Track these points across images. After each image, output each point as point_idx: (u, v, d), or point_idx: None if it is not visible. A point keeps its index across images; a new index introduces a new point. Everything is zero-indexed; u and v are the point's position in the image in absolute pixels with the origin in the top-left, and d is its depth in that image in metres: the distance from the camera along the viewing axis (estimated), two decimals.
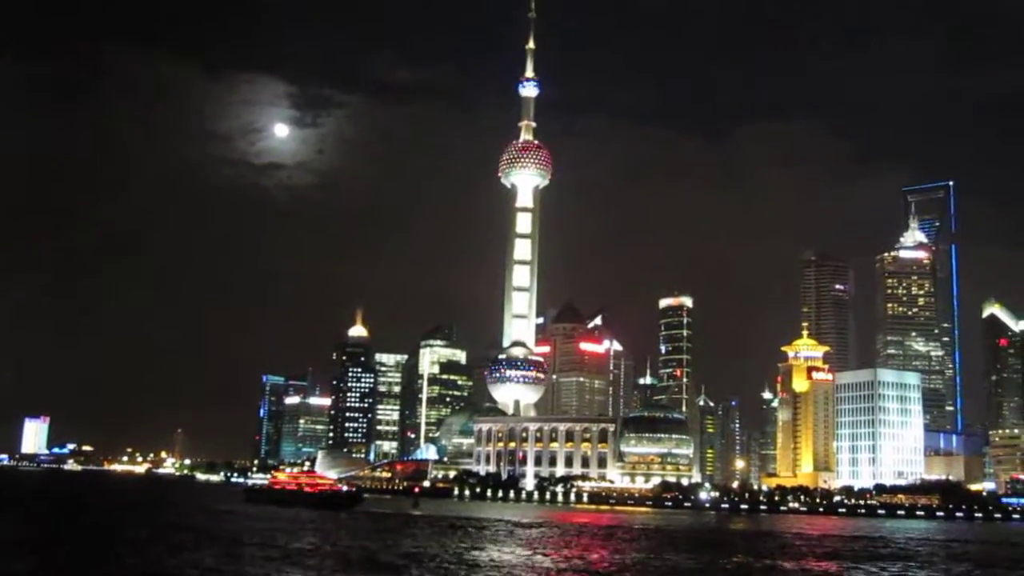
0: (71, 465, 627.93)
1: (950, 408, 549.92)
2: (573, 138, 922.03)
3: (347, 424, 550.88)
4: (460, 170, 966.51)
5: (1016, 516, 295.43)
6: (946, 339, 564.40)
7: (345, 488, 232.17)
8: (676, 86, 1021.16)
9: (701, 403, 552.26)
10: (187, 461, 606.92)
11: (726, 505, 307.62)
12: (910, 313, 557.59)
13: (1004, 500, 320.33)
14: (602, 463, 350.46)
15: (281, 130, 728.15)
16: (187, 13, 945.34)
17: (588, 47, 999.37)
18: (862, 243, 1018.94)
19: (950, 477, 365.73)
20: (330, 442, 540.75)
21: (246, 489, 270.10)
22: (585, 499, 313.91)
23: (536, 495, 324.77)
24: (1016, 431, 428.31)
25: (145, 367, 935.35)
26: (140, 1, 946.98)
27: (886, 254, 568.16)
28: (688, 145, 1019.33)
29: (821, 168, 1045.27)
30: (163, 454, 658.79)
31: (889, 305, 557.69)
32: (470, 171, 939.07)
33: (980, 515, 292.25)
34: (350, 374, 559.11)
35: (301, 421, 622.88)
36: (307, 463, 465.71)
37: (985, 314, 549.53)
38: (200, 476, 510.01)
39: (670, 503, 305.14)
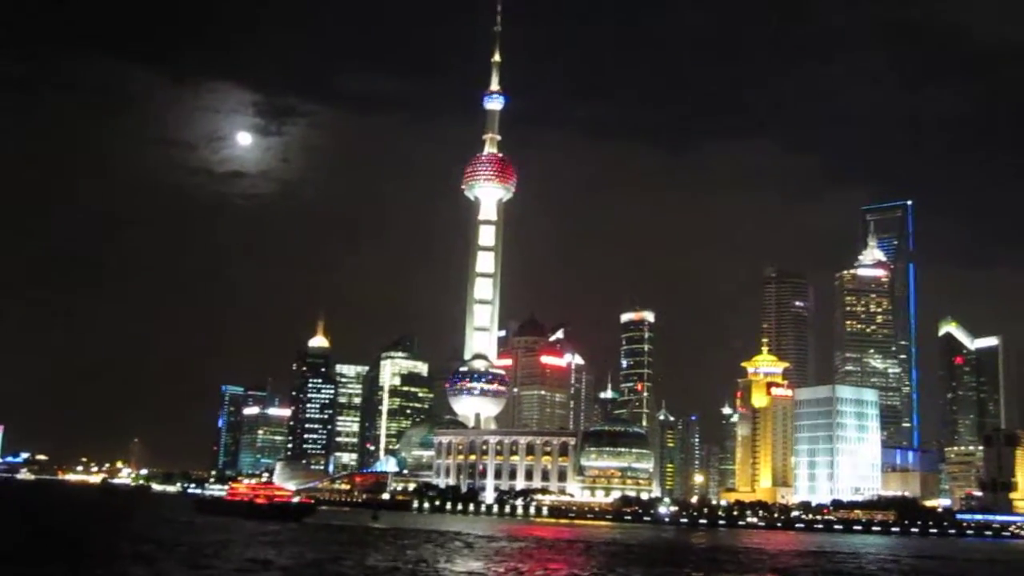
0: (24, 474, 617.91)
1: (906, 425, 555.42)
2: (538, 151, 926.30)
3: (306, 435, 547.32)
4: (425, 181, 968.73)
5: (971, 532, 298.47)
6: (903, 356, 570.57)
7: (296, 500, 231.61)
8: (642, 101, 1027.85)
9: (661, 418, 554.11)
10: (143, 471, 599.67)
11: (685, 520, 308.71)
12: (868, 330, 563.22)
13: (959, 516, 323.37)
14: (562, 477, 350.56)
15: (244, 138, 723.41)
16: (151, 20, 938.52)
17: (554, 61, 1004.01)
18: (823, 260, 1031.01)
19: (906, 493, 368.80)
20: (289, 453, 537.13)
21: (196, 500, 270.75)
22: (545, 513, 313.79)
23: (496, 508, 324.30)
24: (971, 448, 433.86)
25: (102, 375, 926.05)
26: (103, 7, 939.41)
27: (845, 272, 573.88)
28: (653, 160, 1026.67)
29: (784, 185, 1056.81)
30: (119, 464, 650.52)
31: (848, 322, 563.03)
32: (435, 182, 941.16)
33: (935, 531, 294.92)
34: (310, 385, 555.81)
35: (260, 432, 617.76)
36: (266, 474, 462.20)
37: (941, 332, 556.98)
38: (157, 487, 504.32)
39: (630, 517, 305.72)
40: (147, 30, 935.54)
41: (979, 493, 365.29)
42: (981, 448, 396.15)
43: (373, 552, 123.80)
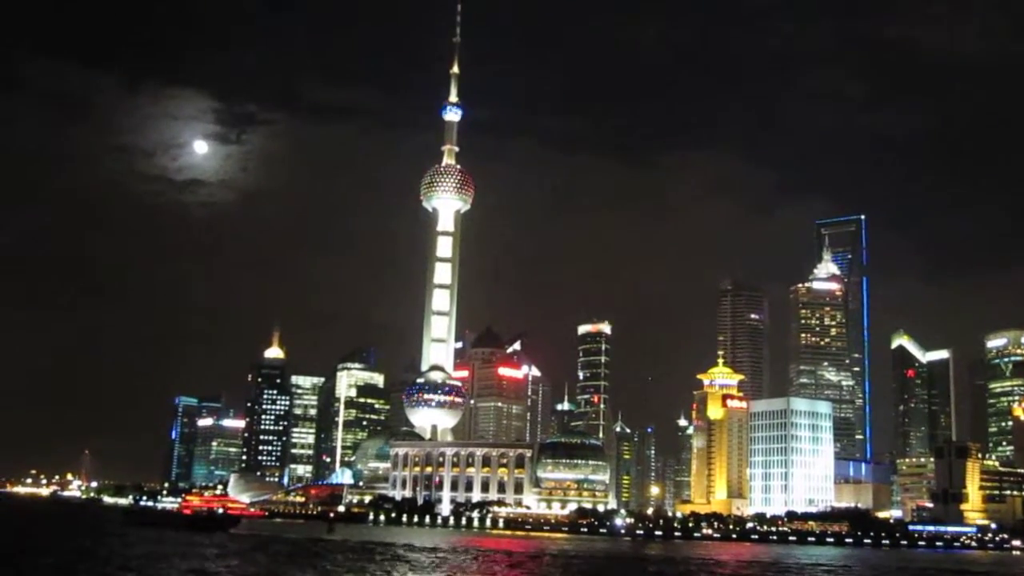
0: None
1: (859, 437, 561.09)
2: (498, 163, 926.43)
3: (261, 447, 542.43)
4: (386, 192, 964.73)
5: (922, 543, 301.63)
6: (856, 369, 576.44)
7: (220, 510, 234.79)
8: (604, 113, 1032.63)
9: (618, 429, 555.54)
10: (94, 484, 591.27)
11: (641, 531, 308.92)
12: (822, 343, 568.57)
13: (911, 527, 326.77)
14: (519, 489, 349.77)
15: (200, 147, 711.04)
16: (111, 25, 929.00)
17: (515, 74, 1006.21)
18: (780, 273, 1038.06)
19: (859, 504, 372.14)
20: (243, 465, 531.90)
21: (125, 511, 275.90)
22: (501, 525, 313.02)
23: (452, 520, 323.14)
24: (922, 460, 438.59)
25: (52, 386, 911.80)
26: (59, 11, 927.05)
27: (800, 285, 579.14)
28: (614, 172, 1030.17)
29: (744, 198, 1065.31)
30: (69, 476, 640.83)
31: (802, 335, 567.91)
32: (395, 193, 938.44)
33: (887, 542, 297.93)
34: (265, 396, 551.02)
35: (214, 443, 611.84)
36: (220, 486, 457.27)
37: (894, 345, 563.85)
38: (108, 499, 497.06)
39: (586, 529, 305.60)
40: (106, 35, 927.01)
41: (930, 504, 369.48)
42: (932, 460, 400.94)
43: (306, 566, 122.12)
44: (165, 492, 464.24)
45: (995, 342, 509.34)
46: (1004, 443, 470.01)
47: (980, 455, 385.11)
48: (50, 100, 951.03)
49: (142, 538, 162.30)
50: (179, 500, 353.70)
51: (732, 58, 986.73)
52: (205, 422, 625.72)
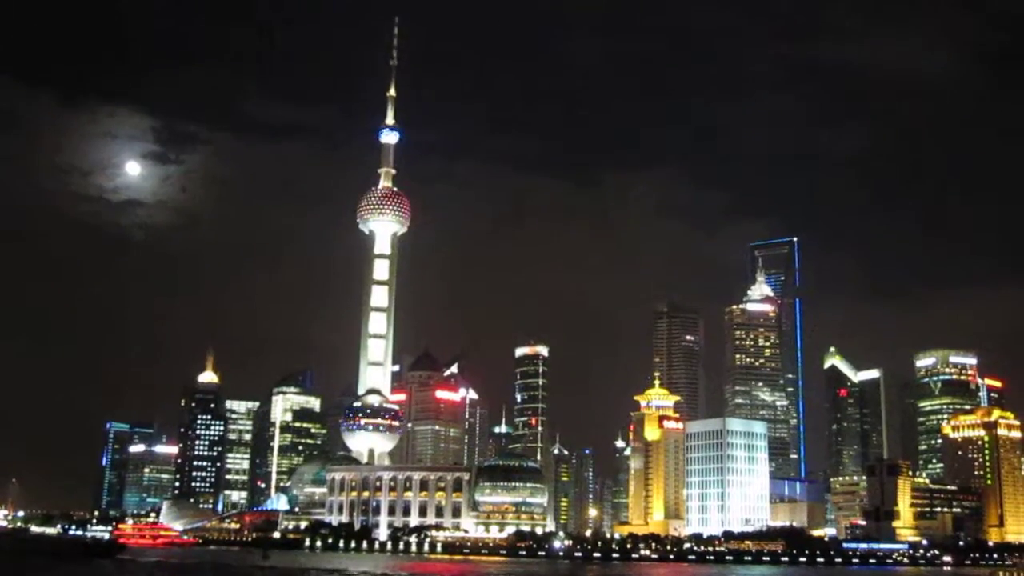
0: None
1: (794, 456, 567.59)
2: (441, 184, 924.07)
3: (195, 473, 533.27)
4: (326, 214, 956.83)
5: (856, 560, 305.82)
6: (790, 389, 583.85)
7: (107, 537, 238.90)
8: (547, 134, 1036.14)
9: (556, 452, 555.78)
10: (21, 513, 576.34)
11: (579, 553, 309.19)
12: (757, 364, 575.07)
13: (844, 545, 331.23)
14: (456, 512, 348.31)
15: (132, 167, 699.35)
16: (42, 40, 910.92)
17: (455, 95, 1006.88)
18: (717, 294, 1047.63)
19: (794, 523, 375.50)
20: (176, 492, 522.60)
21: (20, 540, 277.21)
22: (439, 549, 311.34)
23: (390, 545, 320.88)
24: (855, 478, 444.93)
25: None
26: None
27: (734, 306, 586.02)
28: (558, 192, 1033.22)
29: (685, 219, 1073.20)
30: None
31: (737, 356, 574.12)
32: (335, 215, 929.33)
33: (822, 560, 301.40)
34: (199, 421, 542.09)
35: (146, 470, 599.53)
36: (152, 514, 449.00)
37: (826, 365, 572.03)
38: (35, 528, 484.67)
39: (524, 552, 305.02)
40: (41, 48, 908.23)
41: (863, 522, 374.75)
42: (864, 478, 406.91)
43: None
44: (95, 520, 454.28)
45: (924, 361, 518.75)
46: (934, 460, 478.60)
47: (911, 473, 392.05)
48: None
49: (33, 566, 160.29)
50: (110, 528, 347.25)
51: (678, 79, 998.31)
52: (137, 448, 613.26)
